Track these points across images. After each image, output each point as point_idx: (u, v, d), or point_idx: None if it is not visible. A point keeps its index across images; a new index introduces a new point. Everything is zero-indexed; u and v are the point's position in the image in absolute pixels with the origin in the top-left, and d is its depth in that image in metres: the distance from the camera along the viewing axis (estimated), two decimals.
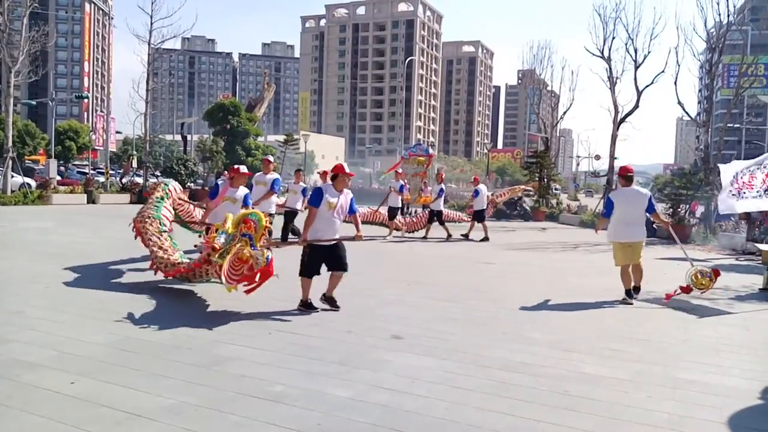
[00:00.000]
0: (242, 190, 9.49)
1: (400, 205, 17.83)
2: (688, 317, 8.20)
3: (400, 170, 19.68)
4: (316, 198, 7.50)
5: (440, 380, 5.15)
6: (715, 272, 9.21)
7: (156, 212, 9.70)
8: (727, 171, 10.77)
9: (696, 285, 9.11)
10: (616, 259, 9.11)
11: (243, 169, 9.61)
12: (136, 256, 10.79)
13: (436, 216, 17.93)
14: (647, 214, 9.09)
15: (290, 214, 13.58)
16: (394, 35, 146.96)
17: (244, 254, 6.87)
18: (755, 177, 9.84)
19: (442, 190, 18.18)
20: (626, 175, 9.11)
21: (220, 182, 11.84)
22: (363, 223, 16.78)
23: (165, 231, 9.40)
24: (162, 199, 10.13)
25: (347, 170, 7.71)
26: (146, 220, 9.40)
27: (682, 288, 9.14)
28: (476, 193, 18.46)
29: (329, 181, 7.79)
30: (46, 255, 11.35)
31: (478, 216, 18.34)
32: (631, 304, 8.77)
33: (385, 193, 18.66)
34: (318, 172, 17.64)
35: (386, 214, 17.92)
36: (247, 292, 7.17)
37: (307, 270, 7.47)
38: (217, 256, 7.01)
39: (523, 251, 15.96)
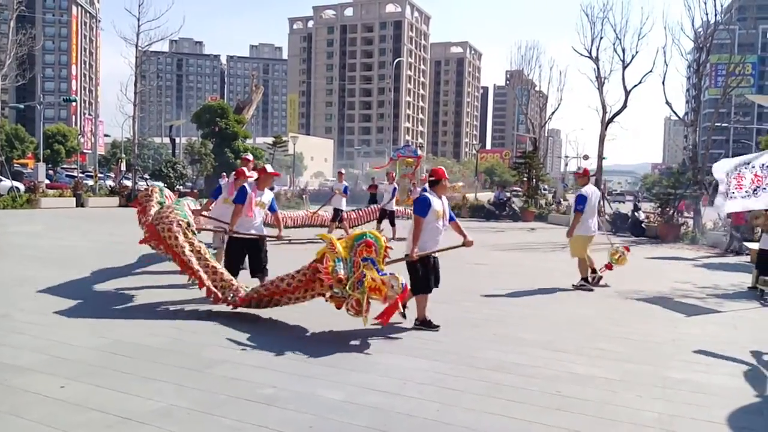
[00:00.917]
0: (268, 194, 8.48)
1: (344, 207, 17.22)
2: (677, 316, 8.25)
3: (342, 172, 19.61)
4: (423, 207, 6.87)
5: (432, 382, 5.16)
6: (626, 248, 10.44)
7: (181, 212, 8.08)
8: (719, 169, 10.84)
9: (616, 262, 10.18)
10: (579, 251, 10.01)
11: (269, 168, 8.55)
12: (127, 261, 10.73)
13: (388, 215, 17.74)
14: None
15: None
16: (381, 36, 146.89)
17: (376, 283, 6.07)
18: (744, 177, 9.89)
19: (395, 189, 18.07)
20: (589, 175, 10.66)
21: (223, 183, 11.10)
22: (301, 226, 16.53)
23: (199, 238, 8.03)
24: (161, 203, 9.05)
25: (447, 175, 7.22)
26: (174, 227, 7.63)
27: (606, 266, 10.19)
28: (424, 191, 18.45)
29: (394, 184, 7.42)
30: (34, 259, 11.28)
31: None
32: (592, 290, 9.80)
33: (329, 195, 18.27)
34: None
35: (327, 216, 17.47)
36: (383, 318, 6.37)
37: (427, 285, 6.91)
38: (347, 287, 6.14)
39: (513, 251, 16.00)
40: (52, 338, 6.10)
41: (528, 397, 4.86)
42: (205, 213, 9.80)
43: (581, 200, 10.01)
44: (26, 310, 7.22)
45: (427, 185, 7.40)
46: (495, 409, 4.56)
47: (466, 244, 7.18)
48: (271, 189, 8.82)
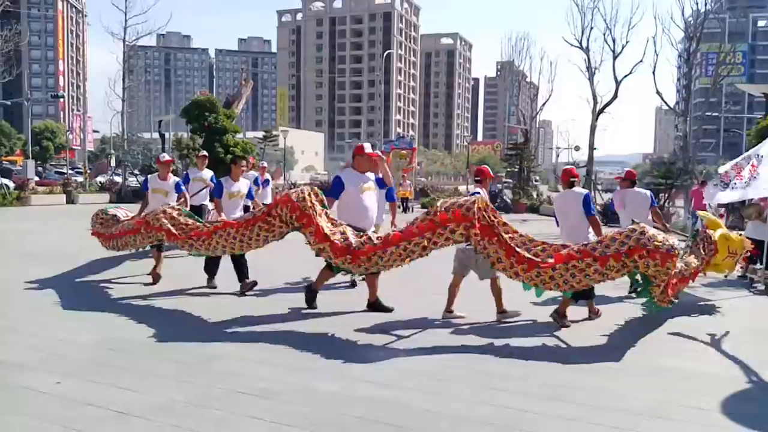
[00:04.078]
0: (245, 182, 8.90)
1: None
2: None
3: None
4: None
5: (427, 373, 5.20)
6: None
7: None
8: (724, 167, 10.92)
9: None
10: None
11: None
12: (120, 256, 10.67)
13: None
14: None
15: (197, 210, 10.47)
16: (371, 28, 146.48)
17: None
18: (743, 168, 9.94)
19: (267, 181, 16.66)
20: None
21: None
22: None
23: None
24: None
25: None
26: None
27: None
28: (266, 183, 16.77)
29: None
30: (28, 256, 11.24)
31: None
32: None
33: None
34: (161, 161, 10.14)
35: None
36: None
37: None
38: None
39: None
40: (48, 335, 6.11)
41: (522, 386, 4.91)
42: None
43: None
44: (21, 308, 7.22)
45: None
46: (489, 399, 4.60)
47: None
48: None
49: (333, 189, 7.30)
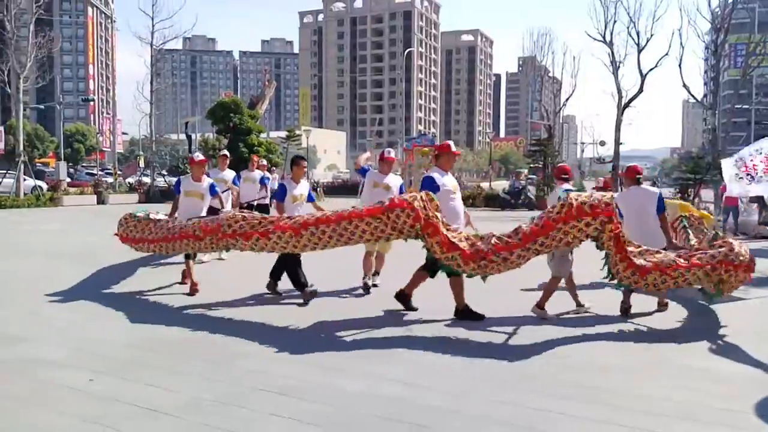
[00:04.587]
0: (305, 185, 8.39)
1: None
2: (700, 304, 8.11)
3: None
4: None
5: (450, 372, 5.19)
6: None
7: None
8: (729, 161, 10.71)
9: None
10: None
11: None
12: (151, 257, 10.78)
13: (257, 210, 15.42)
14: None
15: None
16: (391, 27, 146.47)
17: None
18: (760, 161, 9.77)
19: (263, 178, 14.69)
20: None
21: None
22: None
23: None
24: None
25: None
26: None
27: None
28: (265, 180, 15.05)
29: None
30: (60, 256, 11.44)
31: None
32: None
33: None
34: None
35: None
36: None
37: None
38: None
39: None
40: (81, 334, 6.23)
41: (546, 386, 4.86)
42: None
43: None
44: (54, 307, 7.36)
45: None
46: (512, 399, 4.57)
47: None
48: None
49: (427, 190, 6.76)
